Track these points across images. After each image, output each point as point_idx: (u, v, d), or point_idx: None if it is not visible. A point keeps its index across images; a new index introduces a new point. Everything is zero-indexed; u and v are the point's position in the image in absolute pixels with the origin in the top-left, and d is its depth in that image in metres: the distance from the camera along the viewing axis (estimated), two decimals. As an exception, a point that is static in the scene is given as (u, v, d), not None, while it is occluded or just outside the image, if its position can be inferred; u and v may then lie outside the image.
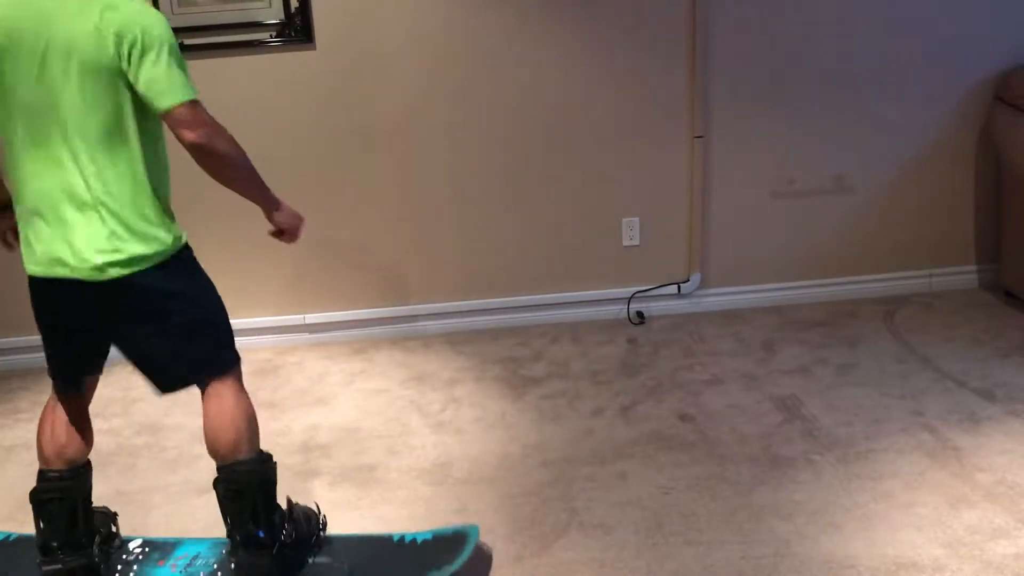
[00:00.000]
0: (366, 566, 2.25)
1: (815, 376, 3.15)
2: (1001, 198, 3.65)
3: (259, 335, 3.68)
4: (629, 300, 3.77)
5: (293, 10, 3.36)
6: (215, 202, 3.56)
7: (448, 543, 2.27)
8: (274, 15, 3.37)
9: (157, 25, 1.95)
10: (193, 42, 3.35)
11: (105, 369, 3.60)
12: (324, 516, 2.34)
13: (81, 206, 2.01)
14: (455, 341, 3.64)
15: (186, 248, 2.18)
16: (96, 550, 2.23)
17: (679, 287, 3.78)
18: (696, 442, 2.77)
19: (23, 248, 2.15)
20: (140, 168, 2.08)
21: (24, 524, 2.57)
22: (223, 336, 2.18)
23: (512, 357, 3.47)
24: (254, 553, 2.12)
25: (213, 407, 2.12)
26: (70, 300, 2.11)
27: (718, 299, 3.81)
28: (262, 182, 2.18)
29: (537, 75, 3.53)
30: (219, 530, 2.47)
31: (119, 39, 1.90)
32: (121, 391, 3.39)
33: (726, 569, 2.19)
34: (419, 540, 2.32)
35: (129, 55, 1.91)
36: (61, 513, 2.19)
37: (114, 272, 2.02)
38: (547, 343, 3.59)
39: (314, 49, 3.42)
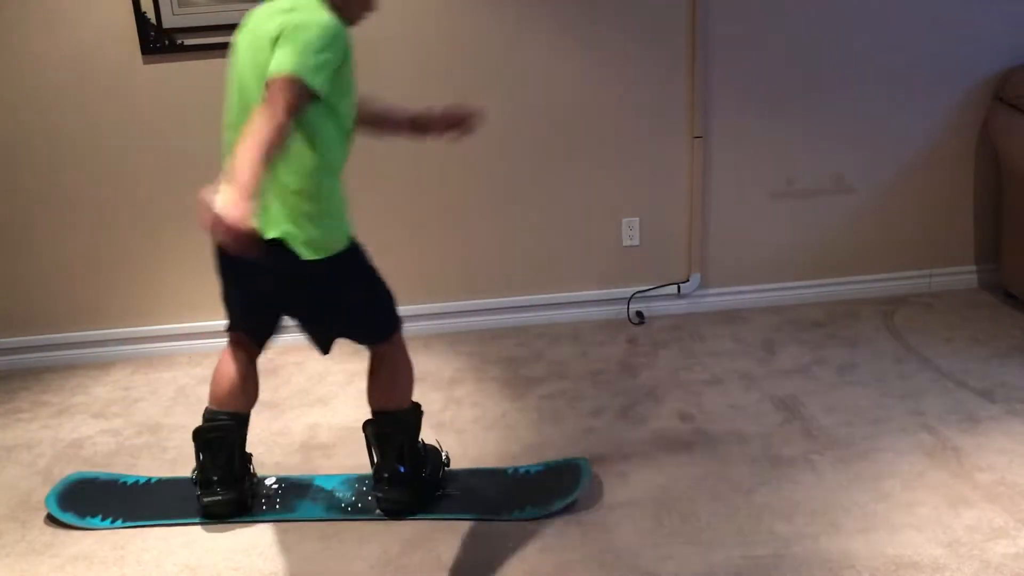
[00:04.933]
0: (490, 496, 2.53)
1: (815, 376, 3.15)
2: (1001, 198, 3.66)
3: (259, 335, 3.69)
4: (629, 300, 3.77)
5: (293, 10, 3.36)
6: (215, 202, 3.57)
7: (562, 474, 2.56)
8: (274, 15, 3.37)
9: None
10: (193, 42, 3.35)
11: (105, 369, 3.62)
12: (447, 453, 2.64)
13: None
14: (455, 341, 3.64)
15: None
16: (247, 486, 2.53)
17: (679, 287, 3.78)
18: (696, 442, 2.77)
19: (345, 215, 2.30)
20: None
21: (25, 523, 2.57)
22: None
23: (512, 357, 3.47)
24: (399, 489, 2.46)
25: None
26: None
27: (718, 299, 3.81)
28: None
29: (537, 75, 3.53)
30: (221, 529, 2.48)
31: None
32: (121, 391, 3.39)
33: (726, 569, 2.19)
34: (532, 471, 2.61)
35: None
36: (222, 451, 2.46)
37: None
38: (547, 343, 3.59)
39: (314, 49, 3.42)
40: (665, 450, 2.73)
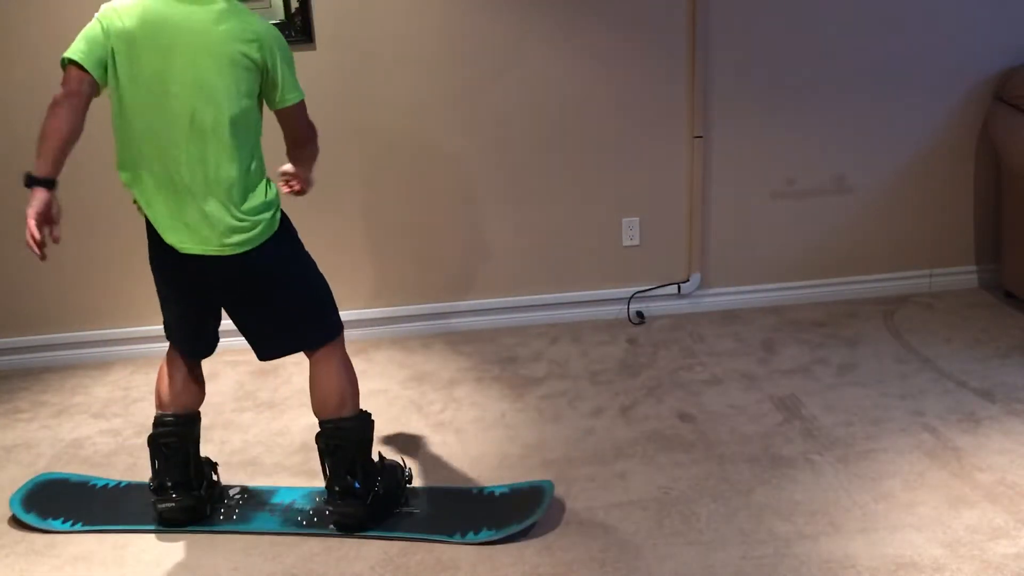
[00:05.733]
0: (449, 516, 2.45)
1: (815, 376, 3.15)
2: (1001, 198, 3.66)
3: (259, 335, 3.69)
4: (629, 300, 3.77)
5: (293, 10, 3.36)
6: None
7: (525, 496, 2.47)
8: (274, 15, 3.37)
9: None
10: (193, 42, 3.35)
11: (105, 369, 3.62)
12: (410, 470, 2.57)
13: None
14: (455, 341, 3.64)
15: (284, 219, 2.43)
16: (203, 492, 2.48)
17: (679, 287, 3.78)
18: (696, 442, 2.77)
19: None
20: None
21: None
22: None
23: (512, 357, 3.47)
24: (350, 502, 2.38)
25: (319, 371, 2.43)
26: None
27: (718, 299, 3.81)
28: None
29: (537, 75, 3.53)
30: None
31: None
32: (121, 391, 3.39)
33: (726, 569, 2.19)
34: (497, 493, 2.53)
35: None
36: (176, 454, 2.44)
37: None
38: (547, 343, 3.59)
39: (314, 49, 3.42)
40: (665, 450, 2.73)
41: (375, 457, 2.50)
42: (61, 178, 3.54)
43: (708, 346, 3.46)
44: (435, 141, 3.56)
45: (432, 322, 3.74)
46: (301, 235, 3.52)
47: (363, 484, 2.38)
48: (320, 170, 3.59)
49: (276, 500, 2.58)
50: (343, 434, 2.38)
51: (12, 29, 3.34)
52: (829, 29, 3.54)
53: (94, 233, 3.56)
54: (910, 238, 3.79)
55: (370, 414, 2.47)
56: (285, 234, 2.36)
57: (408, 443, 2.89)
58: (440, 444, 2.86)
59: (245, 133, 2.24)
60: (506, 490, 2.54)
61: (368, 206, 3.62)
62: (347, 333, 3.70)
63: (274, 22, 3.37)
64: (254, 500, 2.58)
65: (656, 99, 3.58)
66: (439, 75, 3.50)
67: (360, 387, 3.27)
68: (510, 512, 2.41)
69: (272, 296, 2.34)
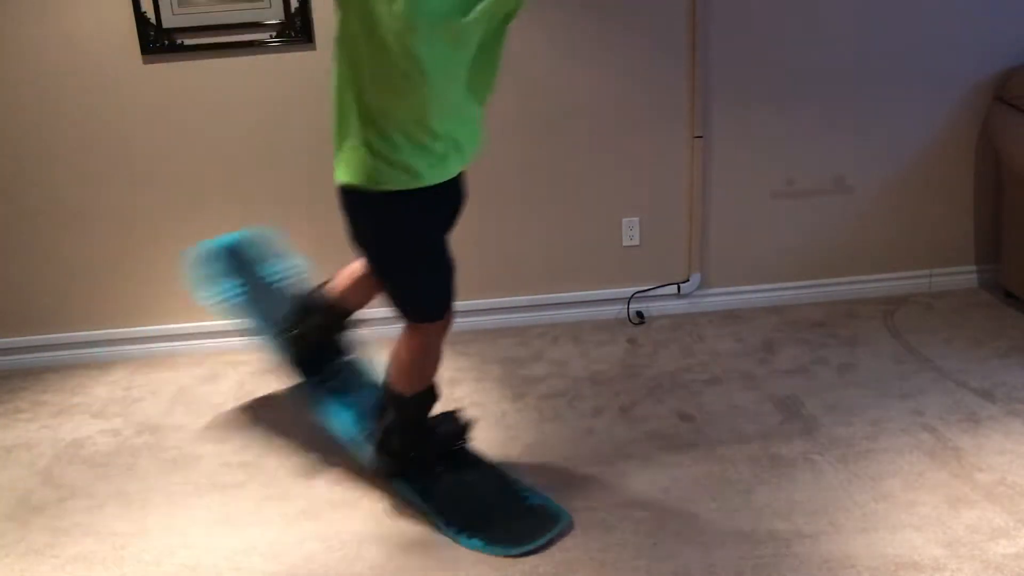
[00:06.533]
0: (464, 502, 2.50)
1: (815, 376, 3.15)
2: (1001, 198, 3.66)
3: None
4: (629, 300, 3.77)
5: (293, 10, 3.36)
6: (214, 202, 3.57)
7: (539, 519, 2.42)
8: (274, 15, 3.37)
9: None
10: (193, 42, 3.35)
11: (105, 369, 3.62)
12: (467, 426, 2.63)
13: None
14: (455, 341, 3.64)
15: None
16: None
17: (679, 287, 3.78)
18: (696, 442, 2.77)
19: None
20: None
21: (25, 523, 2.57)
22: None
23: (512, 357, 3.47)
24: (373, 447, 2.55)
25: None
26: None
27: (718, 299, 3.81)
28: None
29: (537, 75, 3.53)
30: (221, 529, 2.48)
31: None
32: (121, 391, 3.39)
33: (726, 569, 2.19)
34: (525, 503, 2.49)
35: None
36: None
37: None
38: (547, 343, 3.59)
39: (314, 49, 3.42)
40: (665, 450, 2.73)
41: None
42: (61, 178, 3.56)
43: (708, 346, 3.46)
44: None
45: (432, 322, 3.73)
46: (297, 236, 3.53)
47: (378, 435, 2.52)
48: (319, 169, 3.60)
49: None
50: (390, 400, 2.48)
51: (12, 29, 3.34)
52: (829, 29, 3.54)
53: (94, 233, 3.56)
54: (910, 238, 3.79)
55: (419, 402, 2.48)
56: None
57: (408, 443, 2.89)
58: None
59: None
60: (533, 503, 2.47)
61: (368, 206, 3.62)
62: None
63: (274, 22, 3.37)
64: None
65: (656, 99, 3.58)
66: (439, 75, 3.49)
67: (360, 387, 3.30)
68: (514, 530, 2.37)
69: None
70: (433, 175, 2.16)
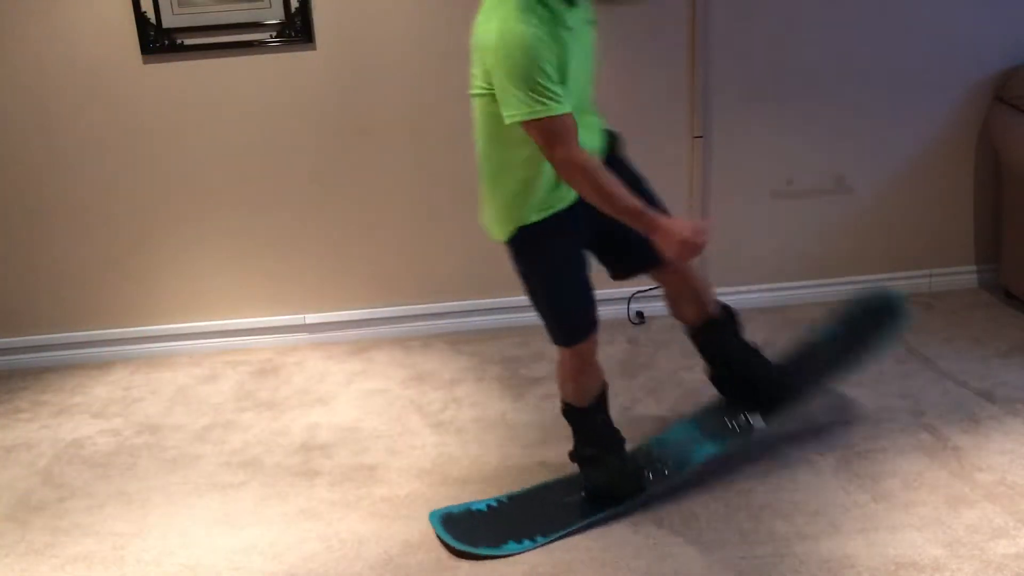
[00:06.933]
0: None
1: (815, 376, 3.15)
2: (1001, 198, 3.65)
3: (259, 335, 3.69)
4: (629, 300, 3.76)
5: (293, 10, 3.36)
6: (214, 202, 3.57)
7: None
8: (274, 15, 3.37)
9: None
10: (193, 42, 3.35)
11: (105, 369, 3.62)
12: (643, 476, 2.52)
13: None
14: (455, 341, 3.64)
15: (523, 230, 2.30)
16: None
17: (679, 287, 3.77)
18: (696, 442, 2.77)
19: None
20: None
21: (25, 523, 2.57)
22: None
23: (512, 357, 3.47)
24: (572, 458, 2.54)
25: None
26: None
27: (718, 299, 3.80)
28: (630, 208, 2.17)
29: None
30: (221, 529, 2.48)
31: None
32: (121, 391, 3.39)
33: (726, 569, 2.19)
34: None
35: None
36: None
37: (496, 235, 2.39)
38: (547, 343, 3.56)
39: (314, 49, 3.42)
40: (665, 450, 2.73)
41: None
42: (62, 178, 3.56)
43: (708, 346, 3.45)
44: (435, 141, 3.56)
45: (432, 322, 3.74)
46: (297, 234, 3.53)
47: (574, 451, 2.52)
48: (320, 169, 3.61)
49: (681, 436, 2.63)
50: (566, 412, 2.50)
51: (12, 29, 3.34)
52: (829, 29, 3.54)
53: (94, 233, 3.56)
54: (910, 238, 3.79)
55: (586, 409, 2.46)
56: None
57: (408, 443, 2.89)
58: (440, 444, 2.86)
59: None
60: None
61: (368, 206, 3.62)
62: (347, 333, 3.73)
63: (274, 22, 3.37)
64: (666, 446, 2.61)
65: (656, 99, 3.57)
66: (439, 75, 3.49)
67: (360, 387, 3.29)
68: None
69: None
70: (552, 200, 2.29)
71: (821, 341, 2.68)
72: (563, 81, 2.09)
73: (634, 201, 2.14)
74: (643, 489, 2.45)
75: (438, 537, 2.38)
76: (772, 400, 2.48)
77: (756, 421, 2.47)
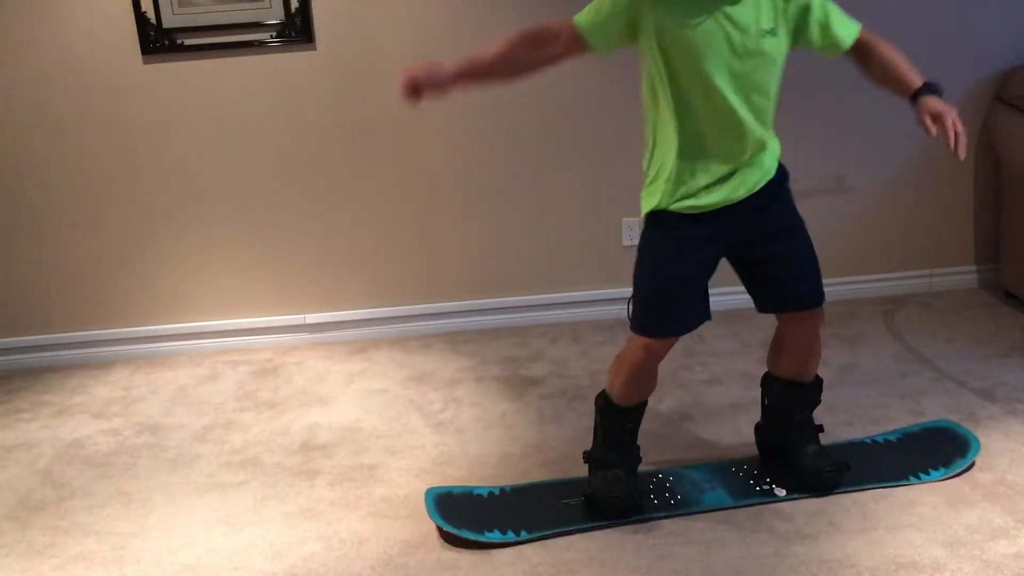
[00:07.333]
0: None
1: (815, 376, 3.15)
2: (1001, 198, 3.66)
3: (259, 335, 3.69)
4: (629, 300, 3.76)
5: (293, 10, 3.36)
6: (214, 202, 3.57)
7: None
8: (274, 15, 3.37)
9: None
10: (193, 42, 3.35)
11: (105, 369, 3.62)
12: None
13: None
14: (455, 341, 3.64)
15: (652, 214, 2.49)
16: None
17: (679, 287, 3.77)
18: (696, 442, 2.77)
19: None
20: None
21: (25, 523, 2.57)
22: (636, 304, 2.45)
23: (512, 357, 3.47)
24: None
25: None
26: None
27: (718, 299, 3.77)
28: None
29: (537, 75, 3.52)
30: (221, 529, 2.48)
31: None
32: (121, 391, 3.39)
33: (726, 569, 2.19)
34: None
35: None
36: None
37: None
38: (547, 343, 3.59)
39: (314, 49, 3.42)
40: (665, 450, 2.73)
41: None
42: (62, 178, 3.56)
43: (708, 346, 3.45)
44: (435, 141, 3.56)
45: (432, 322, 3.74)
46: (297, 234, 3.53)
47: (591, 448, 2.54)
48: (320, 169, 3.61)
49: (699, 477, 2.56)
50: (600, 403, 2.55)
51: (12, 28, 3.34)
52: (829, 29, 3.54)
53: (94, 233, 3.56)
54: (910, 238, 3.79)
55: (609, 404, 2.48)
56: None
57: (408, 443, 2.89)
58: (440, 444, 2.87)
59: None
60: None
61: (368, 206, 3.62)
62: (347, 333, 3.73)
63: (274, 22, 3.37)
64: (683, 481, 2.55)
65: (656, 99, 3.57)
66: (439, 75, 3.49)
67: (360, 387, 3.30)
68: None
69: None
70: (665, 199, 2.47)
71: (876, 450, 2.64)
72: (635, 38, 2.41)
73: (475, 53, 2.37)
74: (640, 511, 2.42)
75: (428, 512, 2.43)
76: (804, 485, 2.46)
77: (779, 492, 2.46)
